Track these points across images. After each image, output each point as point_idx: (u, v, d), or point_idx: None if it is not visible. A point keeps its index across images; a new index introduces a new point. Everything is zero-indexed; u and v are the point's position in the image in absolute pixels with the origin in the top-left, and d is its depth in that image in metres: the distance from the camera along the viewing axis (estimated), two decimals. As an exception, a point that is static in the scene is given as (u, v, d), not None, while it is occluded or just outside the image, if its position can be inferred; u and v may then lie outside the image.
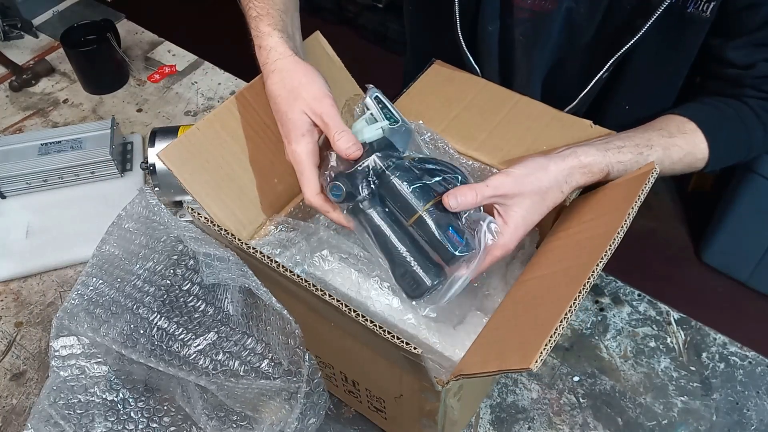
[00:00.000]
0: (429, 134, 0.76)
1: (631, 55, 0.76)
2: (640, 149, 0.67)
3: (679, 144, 0.70)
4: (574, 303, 0.49)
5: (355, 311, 0.50)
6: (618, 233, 0.54)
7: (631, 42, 0.73)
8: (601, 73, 0.78)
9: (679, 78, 0.80)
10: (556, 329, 0.47)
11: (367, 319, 0.50)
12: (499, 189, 0.60)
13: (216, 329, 0.64)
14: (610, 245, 0.53)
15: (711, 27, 0.72)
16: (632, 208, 0.56)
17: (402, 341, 0.48)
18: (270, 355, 0.61)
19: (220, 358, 0.62)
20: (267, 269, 0.57)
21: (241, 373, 0.61)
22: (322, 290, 0.52)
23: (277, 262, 0.55)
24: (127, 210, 0.67)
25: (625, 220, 0.55)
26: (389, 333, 0.49)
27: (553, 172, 0.62)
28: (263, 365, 0.61)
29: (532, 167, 0.62)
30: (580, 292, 0.50)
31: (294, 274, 0.54)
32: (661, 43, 0.74)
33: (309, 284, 0.53)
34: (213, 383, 0.60)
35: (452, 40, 0.84)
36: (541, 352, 0.45)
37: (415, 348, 0.48)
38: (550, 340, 0.46)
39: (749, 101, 0.74)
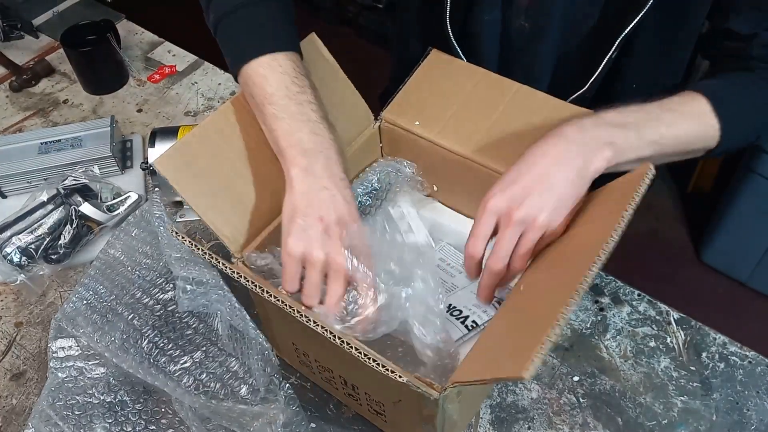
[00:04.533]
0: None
1: (636, 33, 0.74)
2: (629, 109, 0.66)
3: (674, 102, 0.68)
4: (566, 309, 0.48)
5: (340, 339, 0.50)
6: (612, 236, 0.53)
7: (637, 19, 0.72)
8: (610, 54, 0.76)
9: (686, 53, 0.79)
10: (548, 337, 0.46)
11: (351, 347, 0.50)
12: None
13: (204, 348, 0.64)
14: (604, 249, 0.53)
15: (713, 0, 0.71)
16: (627, 211, 0.55)
17: (387, 369, 0.48)
18: (250, 380, 0.61)
19: (203, 378, 0.62)
20: (255, 289, 0.57)
21: (221, 396, 0.61)
22: (307, 317, 0.52)
23: (261, 287, 0.55)
24: (136, 216, 0.67)
25: (619, 223, 0.54)
26: (374, 361, 0.49)
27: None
28: (243, 390, 0.61)
29: None
30: (573, 298, 0.49)
31: (278, 300, 0.54)
32: (665, 18, 0.73)
33: (294, 310, 0.53)
34: (196, 402, 0.60)
35: (442, 37, 0.84)
36: (533, 360, 0.45)
37: (400, 376, 0.48)
38: (542, 348, 0.46)
39: (759, 71, 0.72)
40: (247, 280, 0.56)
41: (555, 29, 0.78)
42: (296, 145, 0.65)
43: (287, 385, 0.57)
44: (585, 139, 0.62)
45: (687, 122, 0.67)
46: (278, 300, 0.54)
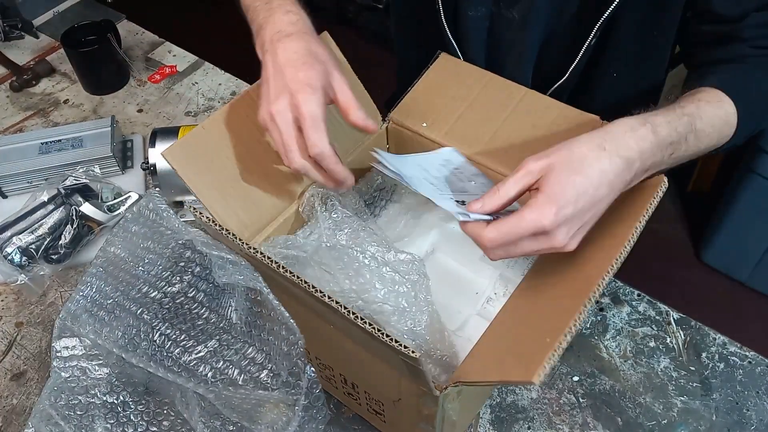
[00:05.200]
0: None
1: (616, 20, 0.74)
2: (674, 111, 0.60)
3: (705, 99, 0.64)
4: (578, 317, 0.48)
5: (354, 314, 0.50)
6: (625, 247, 0.53)
7: (615, 3, 0.72)
8: (589, 40, 0.76)
9: (666, 42, 0.78)
10: (560, 343, 0.47)
11: (365, 322, 0.50)
12: (521, 168, 0.54)
13: (218, 337, 0.63)
14: (616, 260, 0.53)
15: None
16: (639, 222, 0.55)
17: (400, 345, 0.48)
18: (270, 365, 0.61)
19: (220, 366, 0.62)
20: (267, 269, 0.57)
21: (239, 383, 0.61)
22: (321, 292, 0.52)
23: (277, 262, 0.55)
24: (134, 212, 0.67)
25: (632, 234, 0.54)
26: (387, 336, 0.48)
27: (583, 138, 0.55)
28: (262, 375, 0.61)
29: (558, 144, 0.56)
30: (585, 306, 0.49)
31: (294, 275, 0.54)
32: (645, 4, 0.73)
33: (308, 285, 0.53)
34: (211, 392, 0.59)
35: (437, 29, 0.83)
36: (545, 366, 0.45)
37: (413, 352, 0.48)
38: (553, 354, 0.46)
39: (748, 60, 0.70)
40: (263, 255, 0.56)
41: (541, 16, 0.78)
42: (266, 28, 0.65)
43: (310, 367, 0.57)
44: (640, 170, 0.57)
45: (715, 116, 0.64)
46: (293, 275, 0.54)
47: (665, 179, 0.58)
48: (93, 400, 0.65)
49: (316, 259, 0.66)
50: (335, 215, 0.70)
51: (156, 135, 0.97)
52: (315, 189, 0.74)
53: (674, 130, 0.58)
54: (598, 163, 0.53)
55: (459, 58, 0.87)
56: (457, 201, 0.62)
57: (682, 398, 0.77)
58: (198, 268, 0.67)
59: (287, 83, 0.60)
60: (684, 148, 0.61)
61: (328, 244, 0.67)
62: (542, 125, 0.74)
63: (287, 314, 0.56)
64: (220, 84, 1.25)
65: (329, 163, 0.60)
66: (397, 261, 0.65)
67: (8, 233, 0.91)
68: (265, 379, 0.61)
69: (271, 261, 0.55)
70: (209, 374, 0.62)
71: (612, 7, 0.73)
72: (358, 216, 0.74)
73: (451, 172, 0.69)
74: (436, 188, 0.65)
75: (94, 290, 0.66)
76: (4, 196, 1.03)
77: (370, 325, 0.49)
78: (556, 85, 0.82)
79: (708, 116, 0.63)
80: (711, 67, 0.72)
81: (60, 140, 1.05)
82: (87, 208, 0.92)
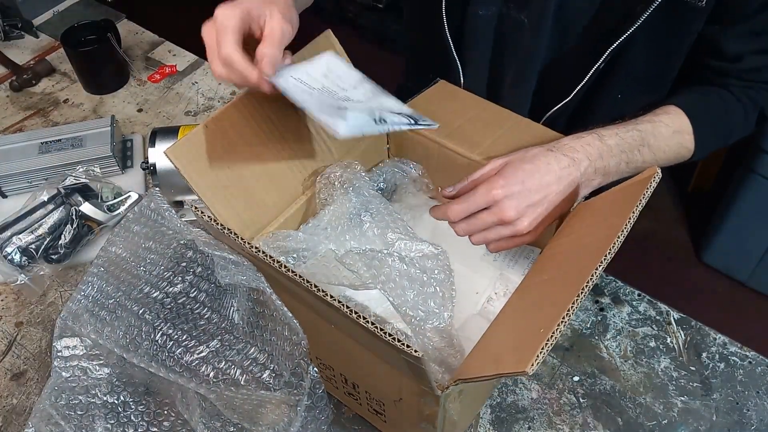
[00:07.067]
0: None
1: (626, 45, 0.75)
2: (626, 125, 0.69)
3: (665, 121, 0.72)
4: (571, 307, 0.49)
5: (356, 313, 0.50)
6: (618, 237, 0.54)
7: (630, 31, 0.73)
8: (598, 64, 0.77)
9: (673, 69, 0.80)
10: (553, 333, 0.47)
11: (368, 321, 0.50)
12: (487, 162, 0.66)
13: (220, 337, 0.63)
14: (609, 250, 0.53)
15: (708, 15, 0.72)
16: (633, 213, 0.56)
17: (403, 344, 0.48)
18: (272, 365, 0.61)
19: (222, 366, 0.62)
20: (268, 268, 0.57)
21: (241, 383, 0.61)
22: (323, 291, 0.52)
23: (279, 261, 0.55)
24: (135, 212, 0.67)
25: (625, 225, 0.55)
26: (390, 335, 0.48)
27: (536, 145, 0.67)
28: (264, 375, 0.61)
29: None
30: (578, 296, 0.50)
31: (296, 274, 0.54)
32: (657, 32, 0.74)
33: (310, 285, 0.53)
34: (212, 392, 0.59)
35: (439, 28, 0.83)
36: (537, 356, 0.45)
37: (416, 351, 0.48)
38: (546, 344, 0.46)
39: (732, 88, 0.76)
40: (265, 254, 0.56)
41: (550, 23, 0.78)
42: None
43: (314, 368, 0.57)
44: (590, 169, 0.66)
45: (671, 138, 0.72)
46: (295, 275, 0.54)
47: (658, 170, 0.60)
48: (93, 400, 0.65)
49: (346, 262, 0.66)
50: (361, 196, 0.70)
51: (156, 134, 0.97)
52: (333, 169, 0.73)
53: (623, 141, 0.67)
54: (545, 158, 0.65)
55: (455, 59, 0.86)
56: (342, 100, 0.64)
57: (682, 398, 0.77)
58: (200, 269, 0.67)
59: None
60: (640, 159, 0.69)
61: (353, 243, 0.66)
62: (539, 144, 0.74)
63: (290, 314, 0.56)
64: (219, 83, 1.25)
65: (238, 66, 0.61)
66: (422, 257, 0.65)
67: (8, 233, 0.91)
68: (267, 379, 0.61)
69: (273, 260, 0.55)
70: (211, 374, 0.62)
71: (624, 36, 0.73)
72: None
73: (333, 82, 0.68)
74: (318, 100, 0.65)
75: (95, 290, 0.65)
76: (4, 196, 1.03)
77: (372, 324, 0.49)
78: (559, 105, 0.82)
79: (664, 137, 0.72)
80: (692, 85, 0.79)
81: (60, 140, 1.05)
82: (87, 208, 0.92)
